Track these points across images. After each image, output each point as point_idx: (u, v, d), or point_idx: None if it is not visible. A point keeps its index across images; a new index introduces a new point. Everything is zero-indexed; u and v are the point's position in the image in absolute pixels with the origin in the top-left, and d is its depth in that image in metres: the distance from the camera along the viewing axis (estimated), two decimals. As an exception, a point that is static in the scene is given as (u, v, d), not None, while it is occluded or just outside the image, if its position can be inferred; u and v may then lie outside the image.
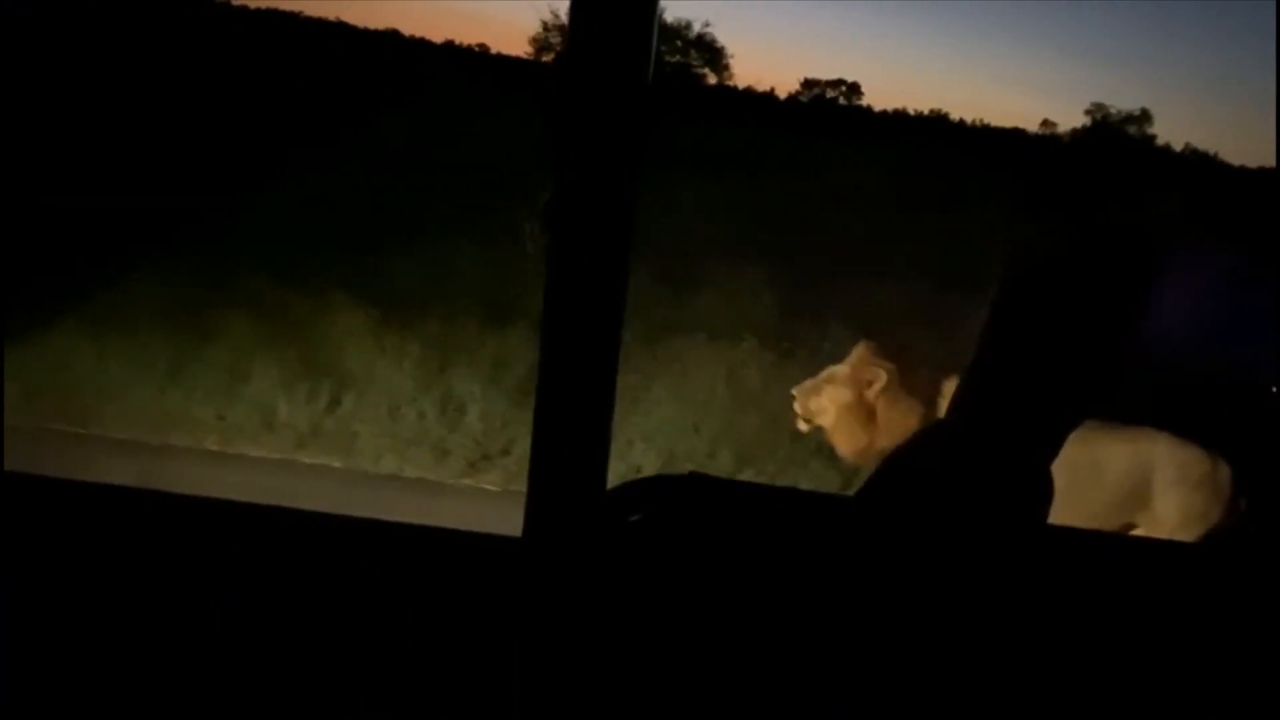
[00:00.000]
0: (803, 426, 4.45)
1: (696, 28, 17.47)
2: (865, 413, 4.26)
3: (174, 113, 8.42)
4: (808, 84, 19.32)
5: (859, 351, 4.33)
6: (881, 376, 4.22)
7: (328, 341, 6.34)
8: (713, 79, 17.12)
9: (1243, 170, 16.21)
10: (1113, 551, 1.04)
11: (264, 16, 13.90)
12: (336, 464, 5.37)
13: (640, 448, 5.72)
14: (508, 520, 1.36)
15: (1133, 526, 4.16)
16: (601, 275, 1.07)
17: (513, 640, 1.10)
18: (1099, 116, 14.83)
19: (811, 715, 0.84)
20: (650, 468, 5.61)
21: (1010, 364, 0.99)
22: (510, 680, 1.09)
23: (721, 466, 5.63)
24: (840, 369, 4.36)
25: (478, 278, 7.29)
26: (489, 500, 5.05)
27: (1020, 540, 0.90)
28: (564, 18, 15.08)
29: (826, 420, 4.34)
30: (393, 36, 17.06)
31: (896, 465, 1.02)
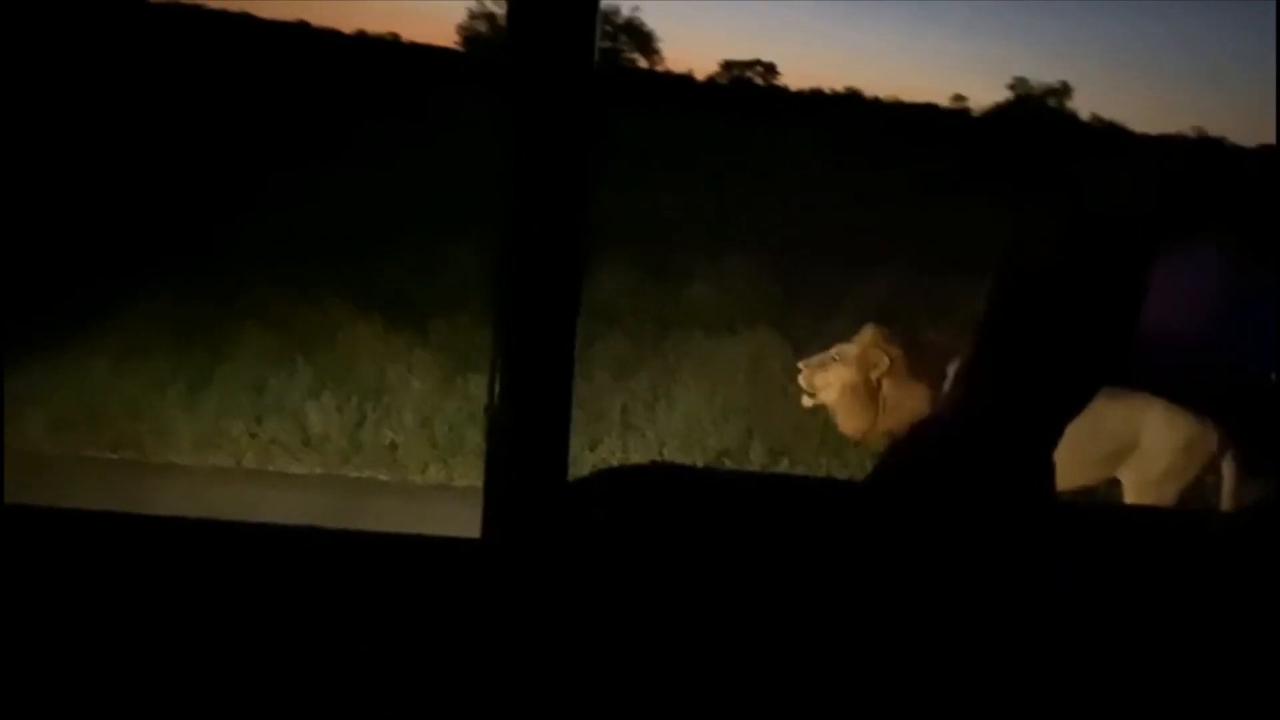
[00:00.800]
0: (807, 402, 4.60)
1: (625, 11, 17.47)
2: (868, 393, 4.42)
3: (144, 126, 8.20)
4: (727, 66, 19.51)
5: (867, 334, 4.50)
6: (885, 362, 4.39)
7: (343, 352, 6.27)
8: (643, 64, 17.16)
9: (1159, 139, 16.91)
10: (1117, 525, 1.08)
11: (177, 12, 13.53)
12: (383, 477, 5.34)
13: (673, 445, 5.80)
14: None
15: (1114, 479, 4.41)
16: (558, 267, 1.07)
17: (478, 641, 1.09)
18: (1020, 91, 15.35)
19: (790, 708, 0.83)
20: (685, 462, 5.70)
21: (1009, 354, 0.99)
22: (478, 681, 1.08)
23: (755, 459, 5.74)
24: (848, 348, 4.52)
25: (477, 278, 7.26)
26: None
27: (1025, 522, 0.90)
28: (490, 5, 14.91)
29: (829, 397, 4.50)
30: (302, 28, 16.71)
31: (897, 455, 1.01)
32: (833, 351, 4.67)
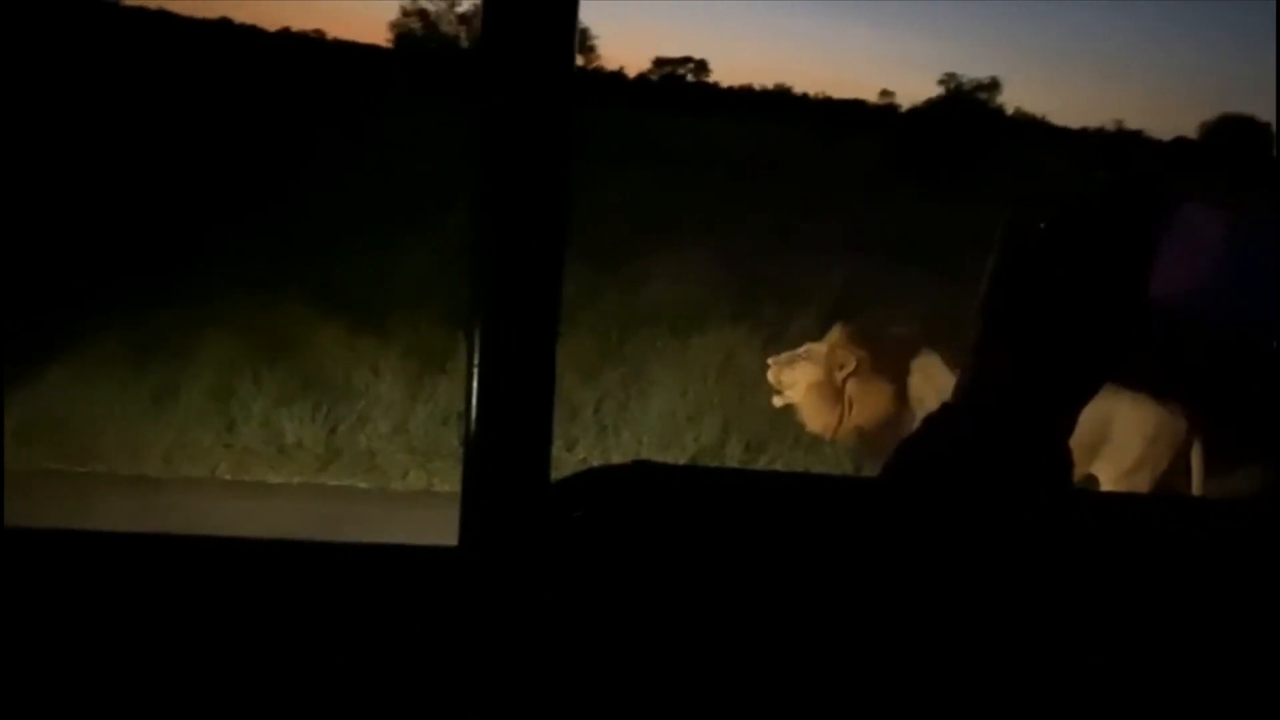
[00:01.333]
0: (777, 400, 4.66)
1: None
2: (832, 392, 4.50)
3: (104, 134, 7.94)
4: (659, 63, 19.56)
5: (834, 334, 4.57)
6: (851, 362, 4.47)
7: (308, 357, 6.15)
8: (579, 61, 17.13)
9: (1083, 132, 17.35)
10: (1136, 514, 1.05)
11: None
12: (363, 484, 5.25)
13: (650, 443, 5.80)
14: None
15: (1090, 474, 4.55)
16: (539, 267, 1.04)
17: (460, 651, 1.05)
18: (951, 86, 15.63)
19: (786, 708, 0.82)
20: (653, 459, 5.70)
21: (1017, 339, 0.97)
22: (461, 692, 1.05)
23: (733, 455, 5.77)
24: (816, 347, 4.59)
25: (433, 278, 7.18)
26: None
27: (1043, 513, 0.88)
28: (424, 2, 14.71)
29: (796, 394, 4.56)
30: (223, 25, 16.31)
31: (910, 453, 0.99)
32: (801, 350, 4.73)
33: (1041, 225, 0.99)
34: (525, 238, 1.04)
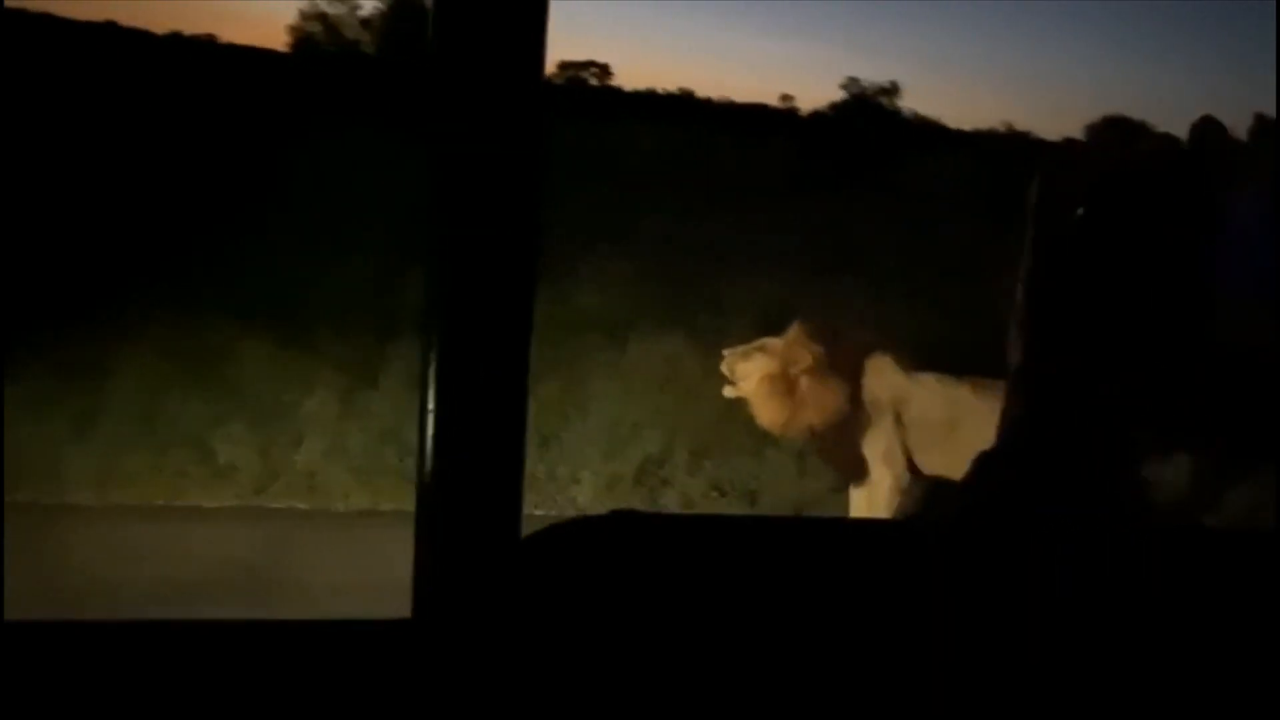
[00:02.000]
0: (728, 391, 4.69)
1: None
2: (786, 386, 4.55)
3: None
4: (563, 66, 19.50)
5: (793, 330, 4.61)
6: (807, 359, 4.52)
7: (235, 374, 5.94)
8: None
9: (976, 135, 17.84)
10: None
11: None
12: (303, 505, 5.08)
13: (591, 453, 5.75)
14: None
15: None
16: (508, 291, 0.93)
17: None
18: (853, 90, 15.90)
19: None
20: (607, 472, 5.67)
21: (1068, 352, 0.84)
22: None
23: (679, 460, 5.76)
24: (773, 341, 4.64)
25: (356, 292, 7.01)
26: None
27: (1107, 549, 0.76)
28: (323, 5, 14.42)
29: (749, 387, 4.60)
30: (110, 29, 15.72)
31: (958, 499, 0.92)
32: (758, 342, 4.74)
33: (1079, 211, 0.85)
34: (493, 268, 0.93)
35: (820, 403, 4.59)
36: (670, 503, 5.54)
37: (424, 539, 0.94)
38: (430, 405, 0.92)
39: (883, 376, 4.61)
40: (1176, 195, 0.81)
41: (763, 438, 5.86)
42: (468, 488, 0.93)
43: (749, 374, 4.64)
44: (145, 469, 5.11)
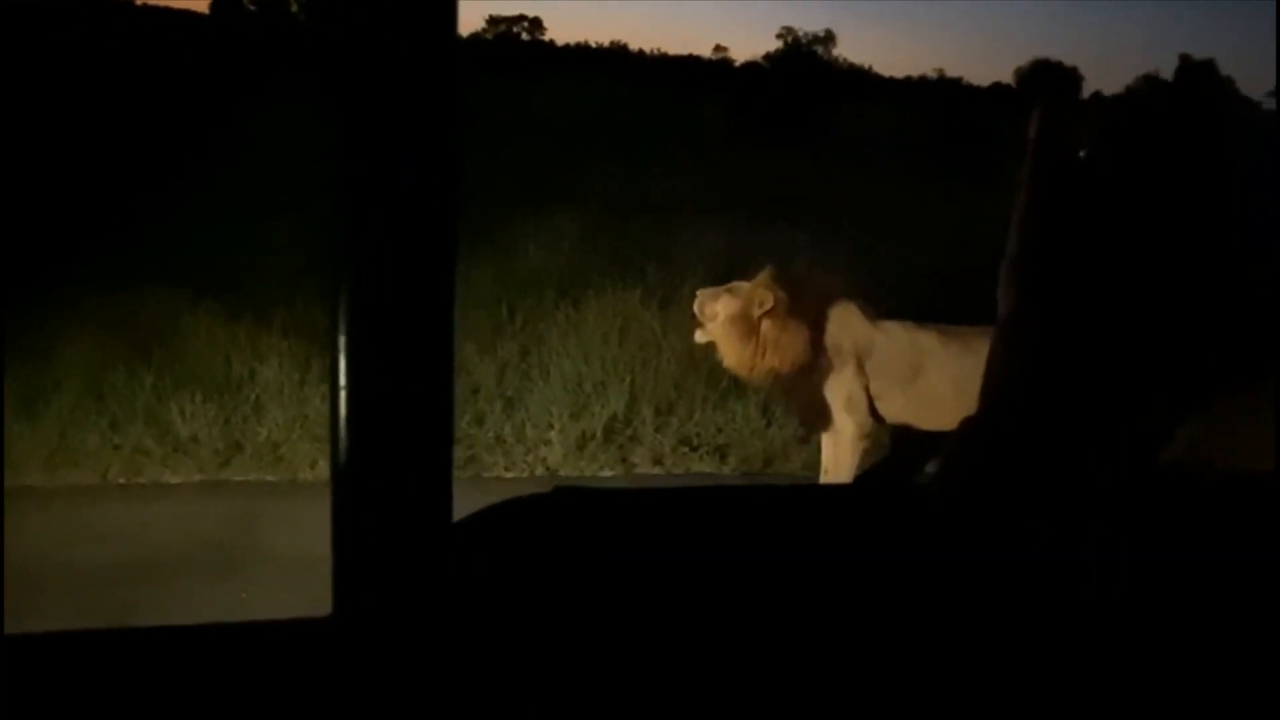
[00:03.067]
0: (699, 336, 4.73)
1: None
2: (747, 327, 4.59)
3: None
4: (493, 21, 19.19)
5: (762, 275, 4.65)
6: (769, 300, 4.55)
7: (184, 346, 5.79)
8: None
9: (908, 81, 17.95)
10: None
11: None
12: (271, 477, 4.99)
13: (556, 413, 5.72)
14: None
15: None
16: (428, 249, 0.85)
17: None
18: (789, 40, 15.88)
19: None
20: (575, 431, 5.65)
21: (1069, 309, 0.74)
22: None
23: (645, 416, 5.76)
24: (742, 284, 4.68)
25: (301, 256, 6.86)
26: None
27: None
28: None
29: (715, 327, 4.64)
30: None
31: (948, 471, 0.80)
32: (727, 285, 4.77)
33: (1081, 154, 0.76)
34: (412, 221, 0.84)
35: (780, 346, 4.62)
36: (641, 460, 5.54)
37: (342, 528, 0.85)
38: (341, 381, 0.83)
39: (846, 323, 4.64)
40: (1187, 137, 0.74)
41: (726, 391, 5.88)
42: (390, 469, 0.84)
43: (715, 314, 4.67)
44: (100, 447, 4.97)
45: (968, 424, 0.80)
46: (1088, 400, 0.75)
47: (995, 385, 0.79)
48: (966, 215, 9.10)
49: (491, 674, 0.76)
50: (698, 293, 4.80)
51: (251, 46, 11.55)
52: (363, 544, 0.85)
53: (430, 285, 0.85)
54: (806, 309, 4.63)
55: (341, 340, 0.82)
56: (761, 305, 4.58)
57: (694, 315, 4.74)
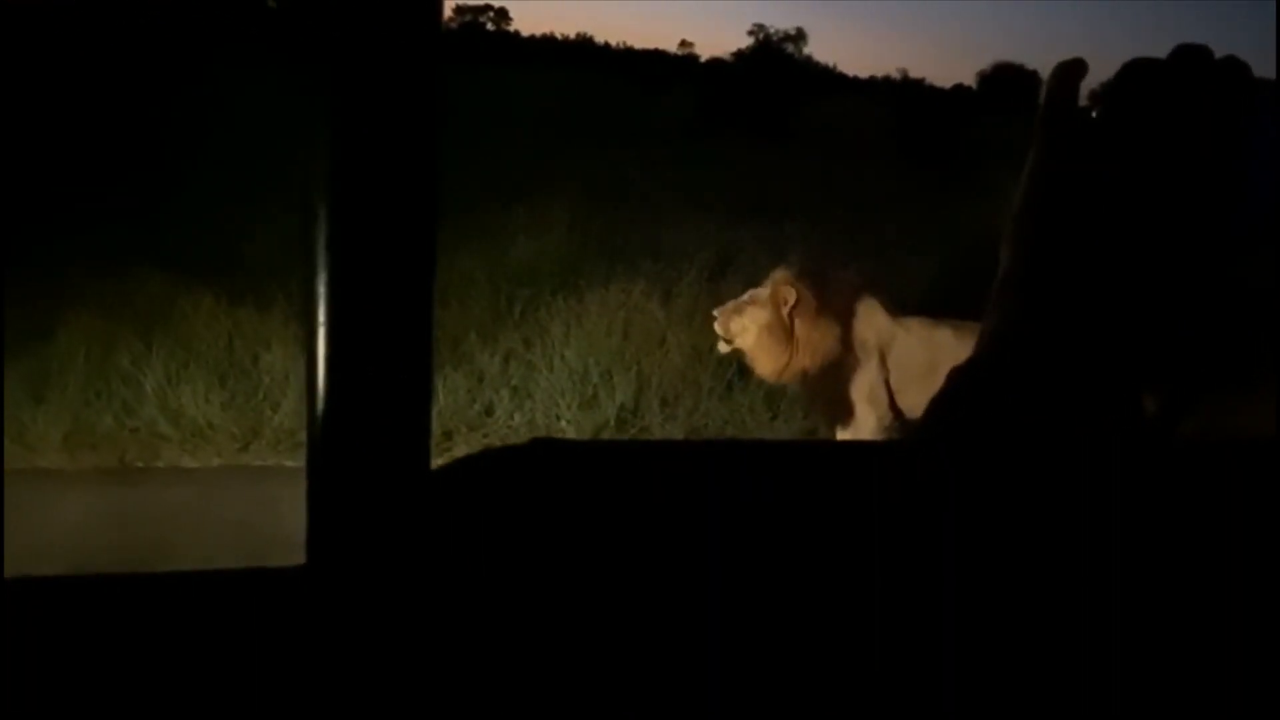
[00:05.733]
0: (723, 348, 4.78)
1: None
2: (783, 332, 4.66)
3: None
4: (459, 10, 19.06)
5: (776, 276, 4.72)
6: (793, 296, 4.61)
7: (187, 329, 5.74)
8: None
9: (872, 81, 18.14)
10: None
11: None
12: (290, 463, 4.97)
13: (564, 405, 5.76)
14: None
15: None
16: (411, 211, 0.80)
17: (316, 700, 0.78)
18: (760, 37, 16.00)
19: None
20: (588, 423, 5.69)
21: (1067, 266, 0.74)
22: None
23: (653, 407, 5.82)
24: (760, 291, 4.73)
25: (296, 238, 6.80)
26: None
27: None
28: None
29: (747, 340, 4.70)
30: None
31: (934, 413, 0.80)
32: (745, 296, 4.80)
33: (1093, 114, 0.76)
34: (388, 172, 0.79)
35: (813, 345, 4.68)
36: (656, 449, 5.59)
37: (317, 473, 0.83)
38: (321, 318, 0.82)
39: (871, 319, 4.73)
40: (1204, 103, 0.73)
41: (729, 381, 5.96)
42: (366, 416, 0.82)
43: (745, 328, 4.69)
44: (115, 430, 4.92)
45: (954, 375, 0.79)
46: (1082, 358, 0.75)
47: (988, 336, 0.78)
48: (941, 213, 9.31)
49: (464, 622, 0.76)
50: (715, 312, 4.77)
51: (258, 25, 11.38)
52: (337, 491, 0.84)
53: (409, 235, 0.82)
54: (833, 306, 4.71)
55: (319, 283, 0.80)
56: (787, 302, 4.63)
57: (717, 333, 4.74)
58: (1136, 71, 0.75)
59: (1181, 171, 0.73)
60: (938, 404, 0.80)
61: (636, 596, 0.70)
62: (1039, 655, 0.62)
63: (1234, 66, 0.73)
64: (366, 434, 0.81)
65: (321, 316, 0.79)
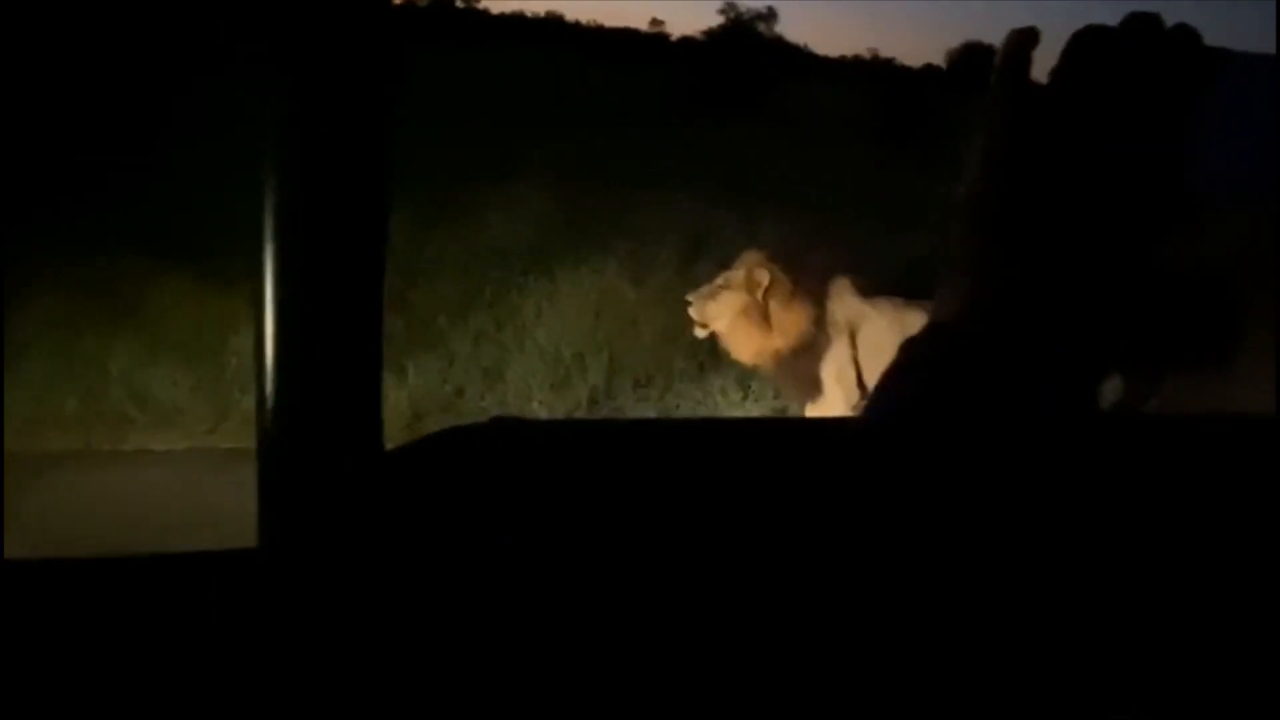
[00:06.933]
0: (700, 333, 4.79)
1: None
2: (759, 314, 4.67)
3: None
4: (425, -13, 18.86)
5: (747, 258, 4.72)
6: (766, 277, 4.63)
7: (154, 309, 5.68)
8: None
9: (842, 60, 18.14)
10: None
11: None
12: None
13: (536, 385, 5.75)
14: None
15: None
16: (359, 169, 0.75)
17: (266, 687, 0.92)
18: (730, 16, 15.93)
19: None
20: (560, 405, 5.68)
21: (1021, 230, 0.73)
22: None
23: (625, 388, 5.82)
24: (733, 274, 4.74)
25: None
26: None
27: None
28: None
29: (722, 325, 4.71)
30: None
31: (887, 387, 0.77)
32: (719, 280, 4.80)
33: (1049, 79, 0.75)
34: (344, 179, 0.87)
35: (787, 326, 4.69)
36: (628, 430, 5.59)
37: (268, 454, 0.79)
38: (268, 296, 0.78)
39: (841, 299, 4.74)
40: (1163, 68, 0.72)
41: (701, 362, 5.97)
42: (317, 393, 0.79)
43: (720, 313, 4.69)
44: (81, 413, 4.86)
45: (908, 346, 0.78)
46: (1035, 333, 0.73)
47: (939, 308, 0.76)
48: (911, 192, 9.33)
49: (419, 605, 0.74)
50: (689, 298, 4.77)
51: (222, 9, 11.21)
52: (289, 471, 0.81)
53: (360, 213, 0.81)
54: (805, 286, 4.71)
55: (267, 261, 0.78)
56: (761, 286, 4.64)
57: (692, 319, 4.73)
58: (1086, 39, 0.74)
59: (1132, 140, 0.72)
60: (890, 377, 0.78)
61: (598, 578, 0.69)
62: (1009, 633, 0.59)
63: (1185, 34, 0.72)
64: (317, 414, 0.78)
65: (269, 295, 0.76)
